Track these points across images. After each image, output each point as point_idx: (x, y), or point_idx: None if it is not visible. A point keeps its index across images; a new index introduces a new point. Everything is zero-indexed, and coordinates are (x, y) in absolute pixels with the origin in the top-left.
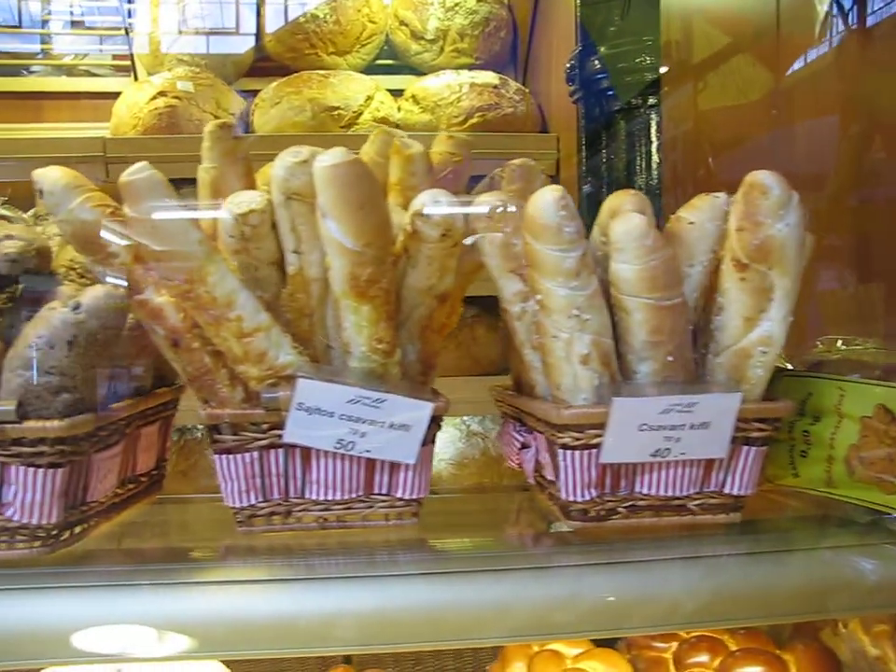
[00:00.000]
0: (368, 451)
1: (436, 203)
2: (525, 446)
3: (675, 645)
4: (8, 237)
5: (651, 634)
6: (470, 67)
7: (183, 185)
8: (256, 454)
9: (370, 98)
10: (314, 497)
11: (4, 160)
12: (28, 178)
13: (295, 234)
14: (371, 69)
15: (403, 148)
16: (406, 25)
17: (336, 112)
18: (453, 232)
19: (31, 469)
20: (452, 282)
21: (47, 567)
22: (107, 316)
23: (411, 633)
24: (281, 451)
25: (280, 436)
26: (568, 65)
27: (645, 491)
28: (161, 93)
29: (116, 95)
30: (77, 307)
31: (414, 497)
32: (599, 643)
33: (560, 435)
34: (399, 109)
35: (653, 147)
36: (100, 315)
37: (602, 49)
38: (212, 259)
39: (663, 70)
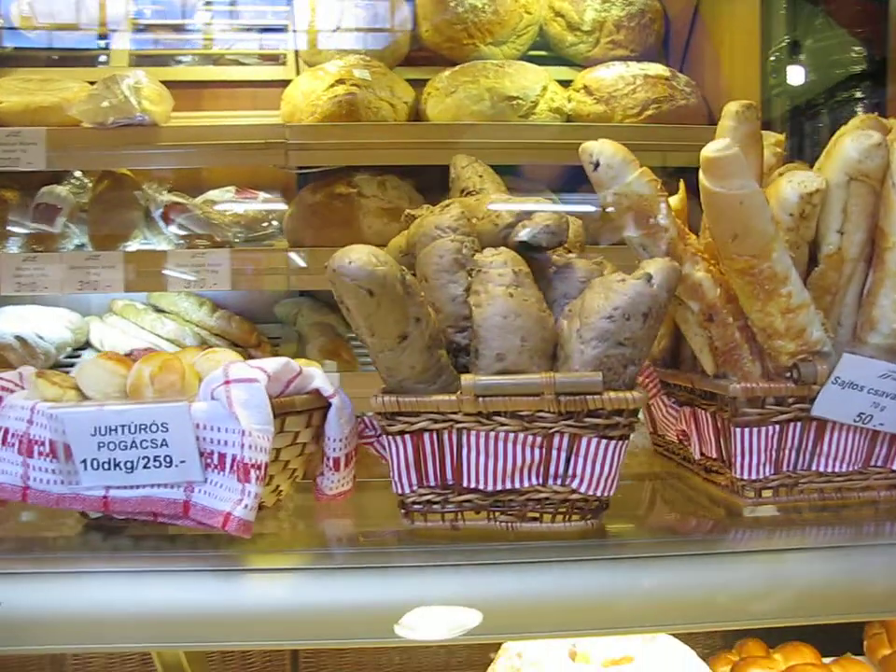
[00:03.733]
0: (881, 424)
1: None
2: None
3: None
4: (537, 210)
5: None
6: (625, 59)
7: (359, 171)
8: (777, 427)
9: (545, 88)
10: (819, 470)
11: (181, 146)
12: (202, 165)
13: (844, 215)
14: (523, 60)
15: None
16: (562, 16)
17: (515, 101)
18: None
19: (603, 441)
20: None
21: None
22: (671, 289)
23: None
24: (799, 424)
25: (804, 409)
26: (773, 58)
27: None
28: (340, 81)
29: (269, 84)
30: (650, 279)
31: None
32: None
33: None
34: (569, 100)
35: None
36: (668, 287)
37: (808, 41)
38: (777, 236)
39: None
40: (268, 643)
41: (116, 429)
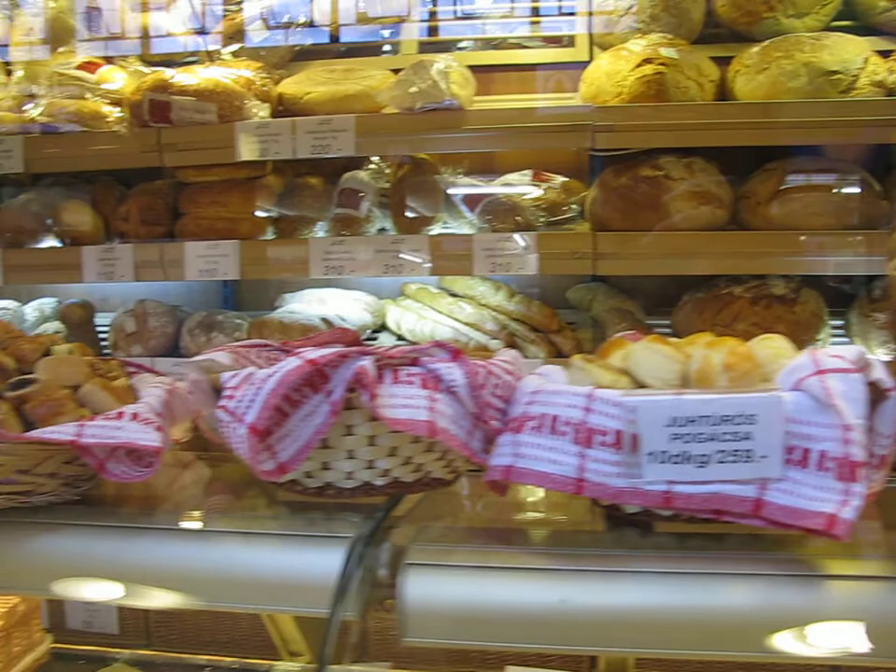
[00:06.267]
0: None
1: None
2: None
3: None
4: None
5: None
6: None
7: (663, 153)
8: None
9: (866, 60)
10: None
11: (485, 130)
12: (505, 149)
13: None
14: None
15: None
16: None
17: (835, 77)
18: None
19: None
20: None
21: None
22: None
23: None
24: None
25: None
26: None
27: None
28: (646, 60)
29: (558, 66)
30: None
31: None
32: None
33: None
34: (890, 72)
35: None
36: None
37: None
38: None
39: None
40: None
41: (695, 420)
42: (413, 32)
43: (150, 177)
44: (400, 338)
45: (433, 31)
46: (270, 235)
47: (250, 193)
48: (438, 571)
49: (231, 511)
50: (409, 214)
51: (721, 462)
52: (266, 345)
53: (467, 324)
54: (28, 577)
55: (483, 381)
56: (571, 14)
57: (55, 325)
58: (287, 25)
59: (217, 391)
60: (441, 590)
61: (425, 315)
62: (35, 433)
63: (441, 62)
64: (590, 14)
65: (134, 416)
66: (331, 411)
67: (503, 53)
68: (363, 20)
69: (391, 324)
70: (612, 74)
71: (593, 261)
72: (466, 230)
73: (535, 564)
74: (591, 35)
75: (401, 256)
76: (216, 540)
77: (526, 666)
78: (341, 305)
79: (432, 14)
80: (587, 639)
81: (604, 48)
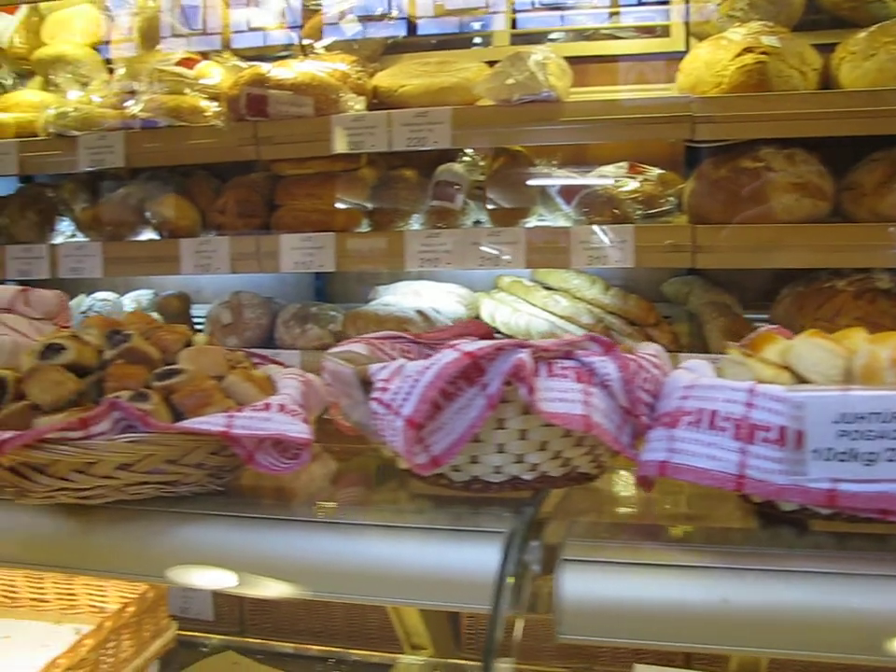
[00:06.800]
0: None
1: None
2: None
3: None
4: None
5: None
6: None
7: (763, 144)
8: None
9: None
10: None
11: (582, 122)
12: (603, 140)
13: None
14: None
15: None
16: None
17: None
18: None
19: None
20: None
21: None
22: None
23: None
24: None
25: None
26: None
27: None
28: (747, 49)
29: (652, 56)
30: None
31: None
32: None
33: None
34: None
35: None
36: None
37: None
38: None
39: None
40: None
41: (864, 417)
42: (505, 23)
43: (245, 171)
44: (495, 331)
45: (513, 23)
46: (364, 227)
47: (345, 186)
48: (594, 568)
49: (368, 503)
50: (505, 206)
51: (891, 461)
52: (399, 337)
53: (562, 317)
54: (168, 565)
55: (634, 375)
56: (665, 3)
57: (153, 316)
58: (381, 18)
59: (365, 383)
60: (597, 586)
61: (519, 308)
62: (186, 423)
63: (538, 53)
64: (686, 2)
65: (281, 408)
66: (487, 404)
67: (596, 44)
68: (444, 12)
69: (485, 317)
70: (712, 63)
71: (692, 254)
72: (562, 222)
73: (693, 561)
74: (687, 25)
75: (497, 248)
76: (359, 533)
77: (652, 664)
78: (435, 298)
79: (517, 5)
80: (747, 640)
81: (699, 37)
